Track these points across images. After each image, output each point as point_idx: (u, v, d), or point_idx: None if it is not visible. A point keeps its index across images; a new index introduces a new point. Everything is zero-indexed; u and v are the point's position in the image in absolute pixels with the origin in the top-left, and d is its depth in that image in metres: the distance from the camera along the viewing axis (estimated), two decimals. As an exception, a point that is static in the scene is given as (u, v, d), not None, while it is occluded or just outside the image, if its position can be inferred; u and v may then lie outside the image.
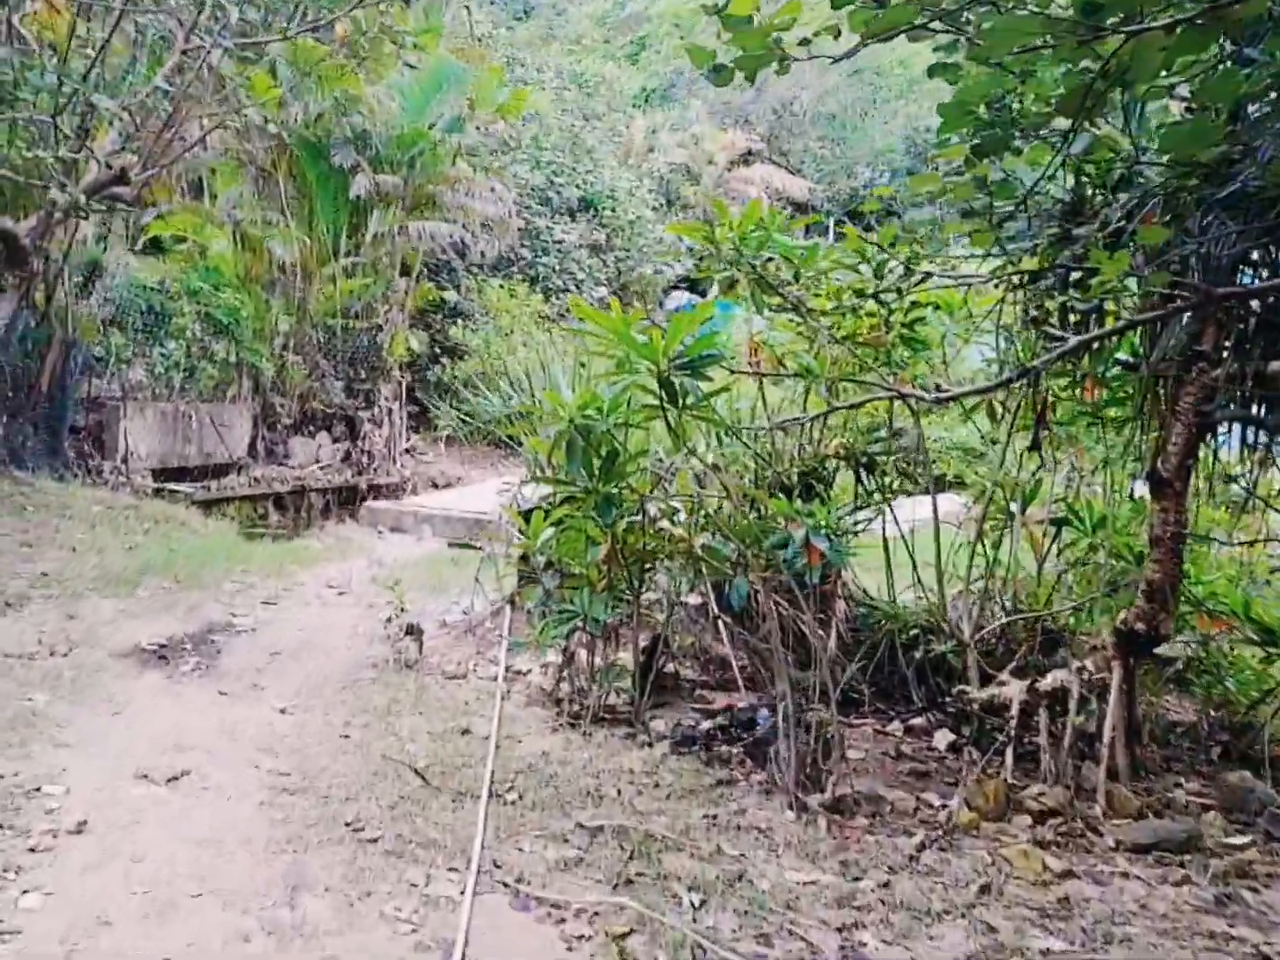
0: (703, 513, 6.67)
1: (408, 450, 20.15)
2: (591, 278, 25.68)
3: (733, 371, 6.36)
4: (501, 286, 22.62)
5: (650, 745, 6.56)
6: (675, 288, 33.81)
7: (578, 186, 26.36)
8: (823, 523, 5.84)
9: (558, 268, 24.90)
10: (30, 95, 8.89)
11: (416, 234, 18.65)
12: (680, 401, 5.72)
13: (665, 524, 6.95)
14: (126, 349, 14.63)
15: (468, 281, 22.83)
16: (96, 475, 14.03)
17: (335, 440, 18.69)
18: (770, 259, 6.74)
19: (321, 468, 17.82)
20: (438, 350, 22.18)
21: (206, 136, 13.89)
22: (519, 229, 22.64)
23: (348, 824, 5.17)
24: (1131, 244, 5.47)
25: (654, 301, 30.54)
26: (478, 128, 19.88)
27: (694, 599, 8.28)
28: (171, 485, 14.79)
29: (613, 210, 27.03)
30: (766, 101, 45.36)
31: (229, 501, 15.52)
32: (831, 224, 32.75)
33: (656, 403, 5.72)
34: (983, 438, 8.67)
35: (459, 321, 22.17)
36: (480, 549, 8.89)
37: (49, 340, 13.37)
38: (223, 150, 16.45)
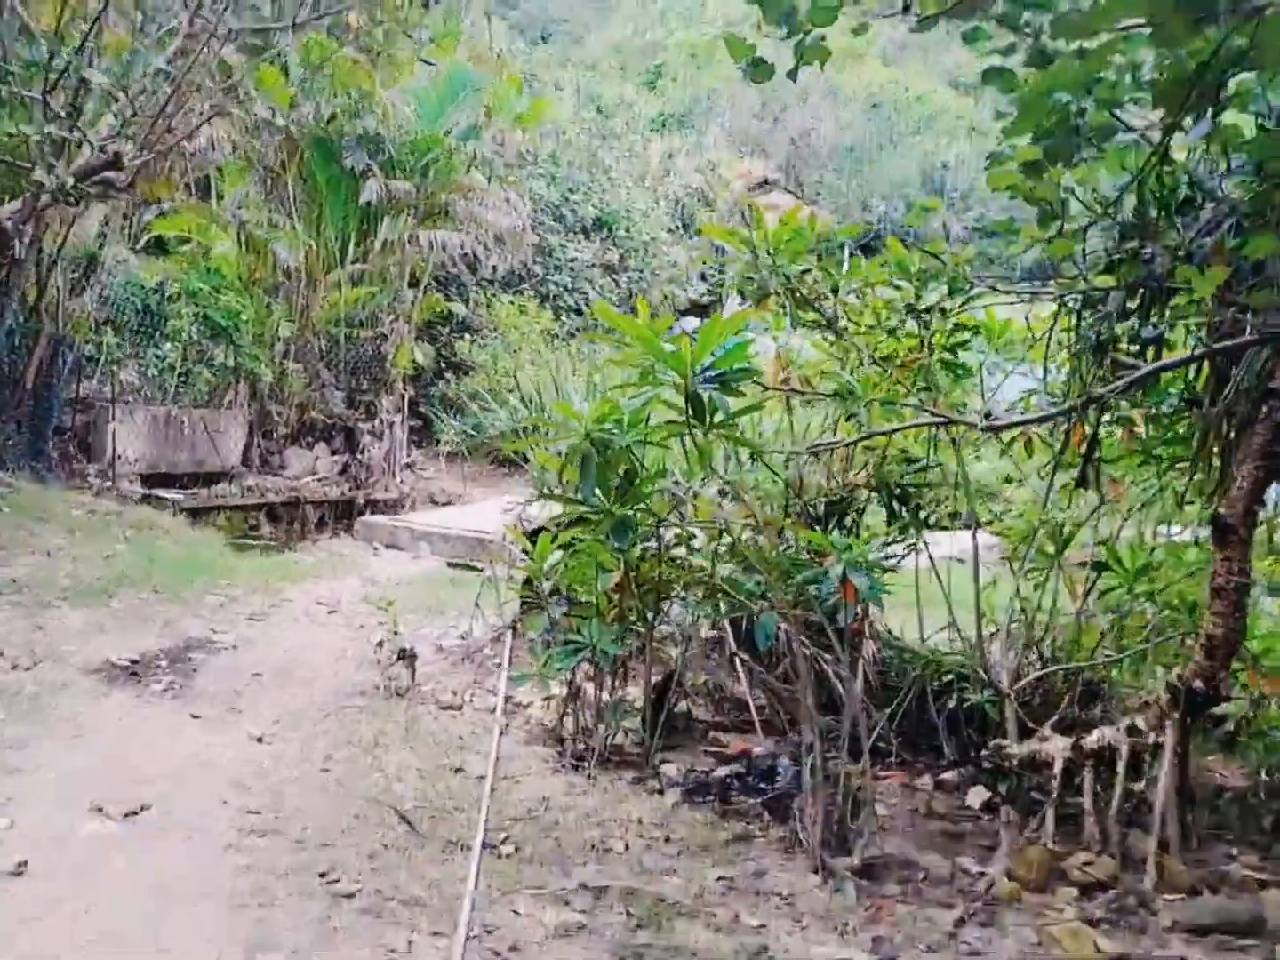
0: (726, 542, 6.13)
1: (408, 465, 19.55)
2: (603, 298, 25.18)
3: (766, 388, 5.81)
4: (511, 302, 22.11)
5: (661, 793, 6.01)
6: (686, 313, 33.38)
7: (593, 205, 25.91)
8: (860, 557, 5.30)
9: (570, 286, 24.41)
10: (18, 69, 8.38)
11: (427, 243, 18.09)
12: (707, 419, 5.18)
13: (683, 552, 6.42)
14: (119, 349, 14.08)
15: (477, 296, 22.33)
16: (81, 479, 13.47)
17: (333, 452, 18.10)
18: (807, 270, 6.25)
19: (318, 479, 17.23)
20: (443, 364, 21.65)
21: (210, 128, 13.45)
22: (532, 245, 22.16)
23: (321, 875, 4.61)
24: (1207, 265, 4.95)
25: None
26: (494, 137, 19.39)
27: (707, 632, 7.76)
28: (160, 491, 14.22)
29: (627, 231, 26.58)
30: (784, 131, 45.21)
31: (219, 510, 14.94)
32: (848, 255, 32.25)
33: (680, 419, 5.20)
34: (1013, 480, 8.15)
35: (466, 336, 21.66)
36: (480, 570, 8.33)
37: (37, 336, 12.82)
38: (230, 148, 15.96)
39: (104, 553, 10.18)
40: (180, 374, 15.24)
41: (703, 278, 34.64)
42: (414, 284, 19.47)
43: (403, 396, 19.19)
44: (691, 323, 35.57)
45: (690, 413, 5.13)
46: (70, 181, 8.91)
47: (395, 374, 18.82)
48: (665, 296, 28.25)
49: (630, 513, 5.45)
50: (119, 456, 13.91)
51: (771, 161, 42.78)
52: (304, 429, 17.71)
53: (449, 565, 8.80)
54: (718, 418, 5.19)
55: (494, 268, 20.64)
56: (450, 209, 18.66)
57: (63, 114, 9.26)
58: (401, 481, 18.57)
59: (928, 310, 6.25)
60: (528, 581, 7.97)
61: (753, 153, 42.91)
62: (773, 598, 5.66)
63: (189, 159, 15.06)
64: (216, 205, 17.03)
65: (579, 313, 24.50)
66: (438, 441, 21.52)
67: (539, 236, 23.14)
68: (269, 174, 17.50)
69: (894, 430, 5.93)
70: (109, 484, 13.54)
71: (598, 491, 5.25)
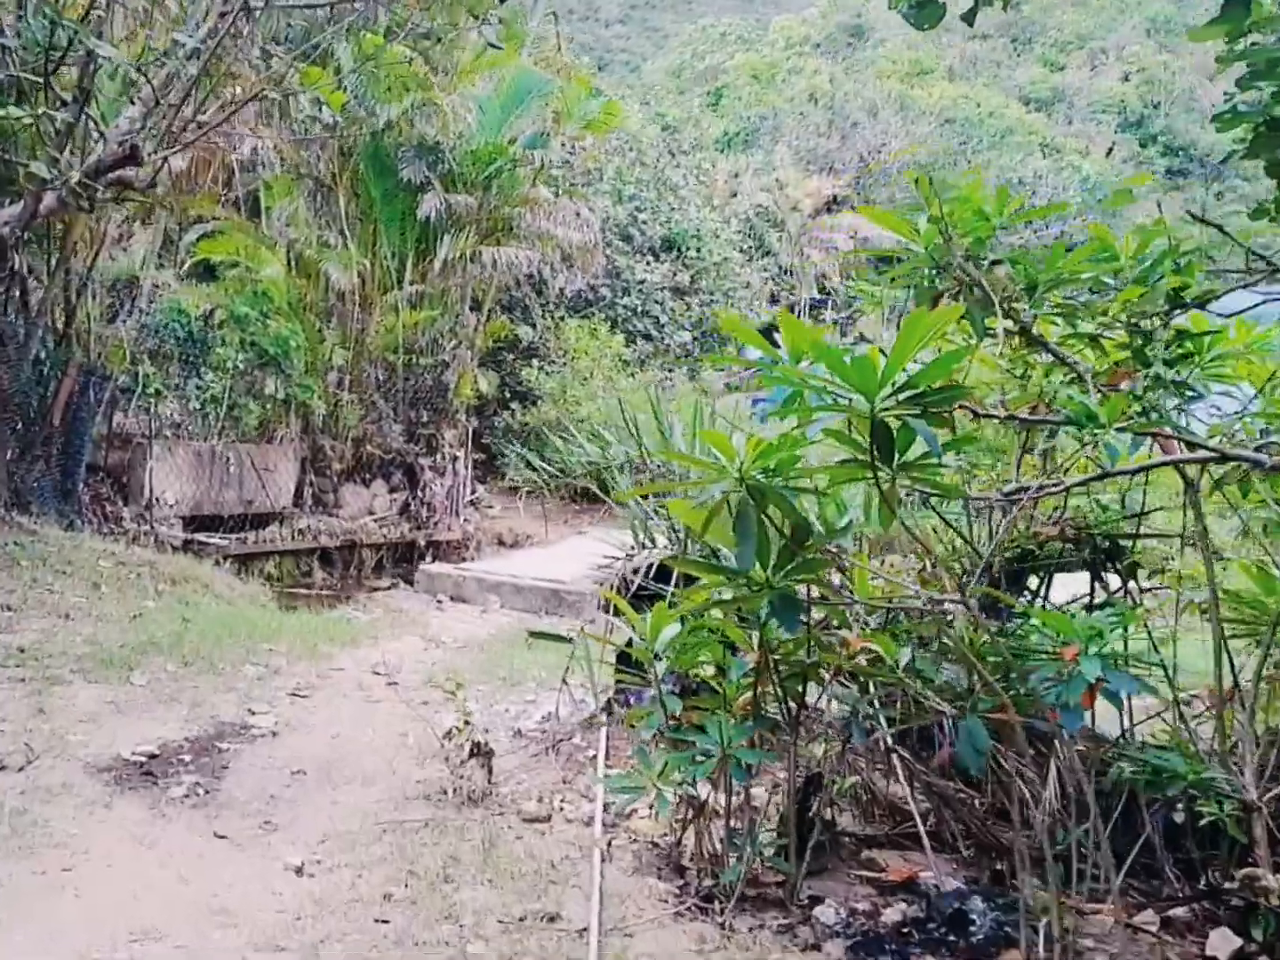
0: (913, 621, 4.67)
1: (472, 503, 18.10)
2: (674, 322, 23.79)
3: (978, 415, 4.34)
4: (580, 326, 20.71)
5: (817, 947, 4.53)
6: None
7: (661, 224, 24.53)
8: (1113, 649, 3.82)
9: (639, 309, 22.99)
10: (17, 46, 7.12)
11: (491, 262, 16.65)
12: (895, 456, 3.77)
13: (842, 629, 4.98)
14: (157, 379, 12.80)
15: (543, 319, 20.96)
16: (115, 523, 12.19)
17: (392, 489, 16.67)
18: (998, 261, 4.81)
19: (376, 520, 15.85)
20: (506, 393, 20.26)
21: (255, 138, 12.28)
22: (599, 266, 20.73)
23: None
24: None
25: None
26: (564, 144, 17.94)
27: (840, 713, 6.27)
28: (202, 536, 12.95)
29: (697, 251, 25.15)
30: (852, 149, 44.03)
31: (268, 556, 13.65)
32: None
33: (858, 456, 3.79)
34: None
35: (534, 362, 20.28)
36: (567, 640, 6.89)
37: (66, 365, 11.57)
38: (278, 160, 14.68)
39: (131, 612, 8.87)
40: (226, 407, 13.93)
41: (774, 300, 33.33)
42: (476, 307, 18.10)
43: (466, 429, 17.75)
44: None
45: (875, 449, 3.72)
46: (75, 177, 7.62)
47: (458, 404, 17.35)
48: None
49: (799, 586, 4.01)
50: (157, 499, 12.64)
51: (840, 179, 41.50)
52: (360, 465, 16.30)
53: (531, 635, 7.34)
54: (913, 454, 3.79)
55: (562, 289, 19.20)
56: (515, 224, 17.23)
57: (68, 99, 7.98)
58: (466, 521, 17.14)
59: (1159, 312, 4.76)
60: (623, 656, 6.59)
61: (821, 170, 41.67)
62: (980, 697, 4.19)
63: (234, 172, 13.88)
64: (265, 224, 15.79)
65: (647, 338, 23.10)
66: (503, 476, 20.17)
67: (606, 257, 21.74)
68: (319, 187, 16.21)
69: (1143, 469, 4.45)
70: (146, 528, 12.27)
71: (755, 558, 3.80)
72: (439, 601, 11.37)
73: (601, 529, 16.32)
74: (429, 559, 16.17)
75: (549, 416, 19.09)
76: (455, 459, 17.11)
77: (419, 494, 16.52)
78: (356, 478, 16.17)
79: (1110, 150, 59.95)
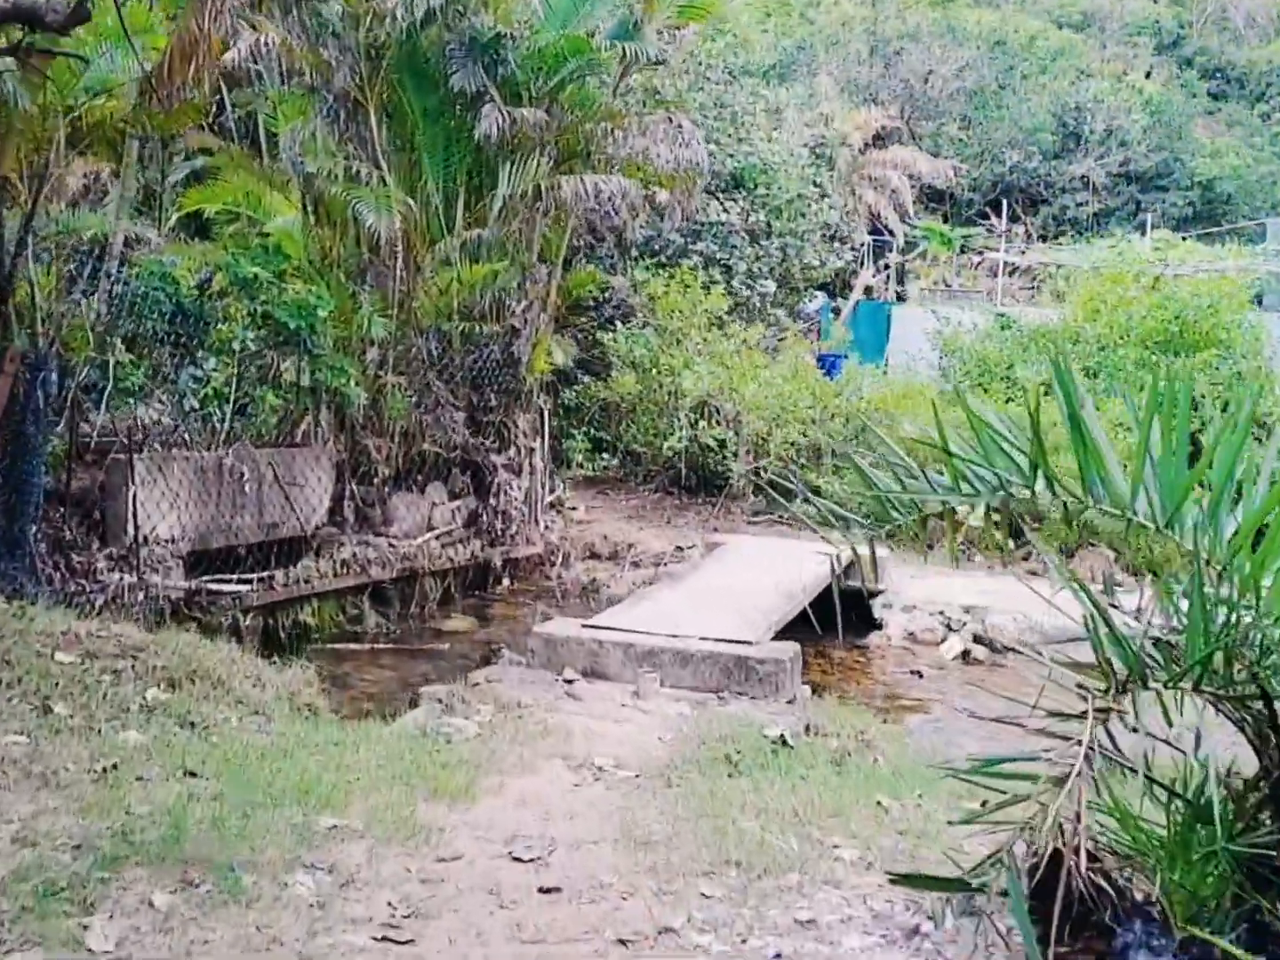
0: None
1: (554, 504, 14.50)
2: (751, 269, 20.31)
3: None
4: (671, 277, 17.10)
5: None
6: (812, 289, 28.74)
7: (730, 157, 21.04)
8: None
9: (714, 256, 19.47)
10: None
11: (573, 196, 13.01)
12: None
13: None
14: (136, 370, 9.29)
15: (622, 268, 17.45)
16: (87, 578, 8.67)
17: (454, 495, 13.04)
18: None
19: (437, 536, 12.29)
20: (573, 364, 16.65)
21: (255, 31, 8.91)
22: (663, 206, 17.18)
23: None
24: None
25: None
26: (661, 33, 14.14)
27: None
28: (212, 583, 9.52)
29: (768, 187, 21.64)
30: (897, 76, 40.85)
31: (303, 602, 10.21)
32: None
33: None
34: None
35: (615, 325, 16.74)
36: (973, 889, 3.42)
37: (1, 357, 8.11)
38: (280, 71, 11.15)
39: (100, 762, 5.40)
40: (235, 402, 10.47)
41: (838, 240, 29.87)
42: (544, 258, 14.47)
43: (540, 412, 14.12)
44: (820, 299, 30.95)
45: None
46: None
47: (531, 382, 13.70)
48: (810, 268, 23.41)
49: None
50: (146, 536, 9.16)
51: (886, 110, 38.21)
52: (413, 467, 12.66)
53: (891, 879, 3.76)
54: None
55: (660, 212, 15.53)
56: (594, 146, 13.62)
57: None
58: (547, 529, 13.59)
59: None
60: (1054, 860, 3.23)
61: (865, 102, 38.38)
62: None
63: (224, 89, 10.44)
64: (271, 158, 12.32)
65: (727, 290, 19.61)
66: (568, 464, 16.65)
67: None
68: (342, 104, 12.56)
69: None
70: (133, 579, 8.82)
71: None
72: (568, 681, 7.73)
73: (734, 532, 13.18)
74: (506, 582, 12.76)
75: (631, 389, 15.67)
76: (532, 451, 13.54)
77: (492, 500, 12.90)
78: (408, 484, 12.59)
79: (1149, 73, 56.82)
